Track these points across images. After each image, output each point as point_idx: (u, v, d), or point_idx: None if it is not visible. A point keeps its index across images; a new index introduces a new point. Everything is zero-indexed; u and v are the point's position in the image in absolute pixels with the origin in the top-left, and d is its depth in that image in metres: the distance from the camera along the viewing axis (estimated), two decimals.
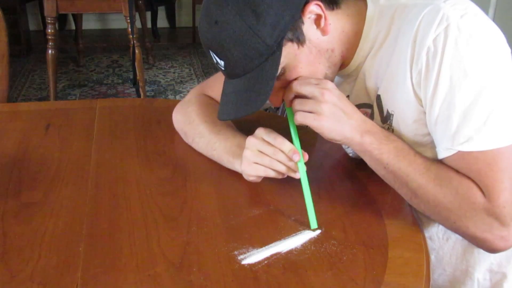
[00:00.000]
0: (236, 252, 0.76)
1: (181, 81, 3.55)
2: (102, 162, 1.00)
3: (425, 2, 0.80)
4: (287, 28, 0.80)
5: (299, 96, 0.83)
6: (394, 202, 0.88)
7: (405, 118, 0.85)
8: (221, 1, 0.79)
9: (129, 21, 2.76)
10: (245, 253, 0.75)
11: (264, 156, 0.85)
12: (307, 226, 0.81)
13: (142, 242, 0.78)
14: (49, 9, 2.67)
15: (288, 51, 0.82)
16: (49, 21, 2.72)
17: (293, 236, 0.79)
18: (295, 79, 0.85)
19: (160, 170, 0.98)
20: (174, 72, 3.71)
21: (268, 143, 0.84)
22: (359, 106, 0.93)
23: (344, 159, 1.01)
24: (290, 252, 0.76)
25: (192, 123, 1.02)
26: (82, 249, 0.76)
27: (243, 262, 0.74)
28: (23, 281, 0.70)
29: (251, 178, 0.88)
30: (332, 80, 0.89)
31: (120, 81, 3.50)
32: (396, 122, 0.87)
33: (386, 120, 0.89)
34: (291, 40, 0.82)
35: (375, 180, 0.93)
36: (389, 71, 0.85)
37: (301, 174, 0.83)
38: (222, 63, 0.83)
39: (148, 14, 4.23)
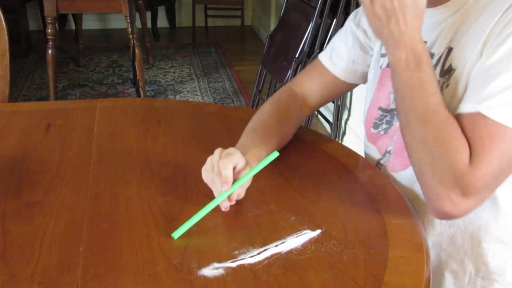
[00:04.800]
0: (236, 252, 0.76)
1: (181, 81, 3.55)
2: (102, 162, 1.00)
3: None
4: None
5: None
6: (394, 202, 0.88)
7: (462, 77, 0.83)
8: None
9: (129, 21, 2.76)
10: (245, 253, 0.76)
11: (210, 170, 0.86)
12: (307, 226, 0.81)
13: (142, 242, 0.78)
14: (49, 9, 2.67)
15: None
16: (49, 21, 2.72)
17: (293, 236, 0.79)
18: None
19: (160, 170, 0.98)
20: (174, 72, 3.71)
21: (217, 161, 0.85)
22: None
23: (344, 159, 1.01)
24: (290, 252, 0.76)
25: (249, 123, 1.03)
26: (82, 249, 0.76)
27: (243, 262, 0.74)
28: (23, 281, 0.70)
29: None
30: None
31: (120, 81, 3.50)
32: (454, 79, 0.85)
33: (445, 74, 0.87)
34: None
35: (375, 180, 0.93)
36: (473, 28, 0.83)
37: (215, 199, 0.82)
38: None
39: (148, 14, 4.24)
